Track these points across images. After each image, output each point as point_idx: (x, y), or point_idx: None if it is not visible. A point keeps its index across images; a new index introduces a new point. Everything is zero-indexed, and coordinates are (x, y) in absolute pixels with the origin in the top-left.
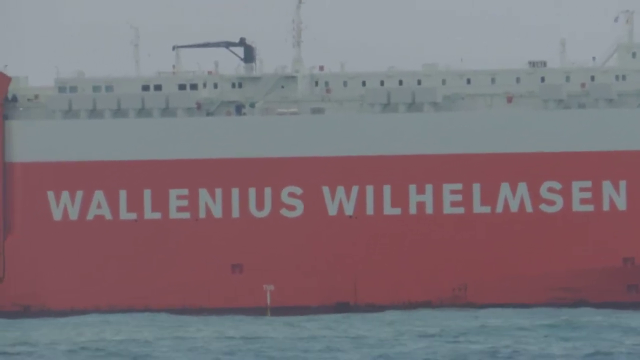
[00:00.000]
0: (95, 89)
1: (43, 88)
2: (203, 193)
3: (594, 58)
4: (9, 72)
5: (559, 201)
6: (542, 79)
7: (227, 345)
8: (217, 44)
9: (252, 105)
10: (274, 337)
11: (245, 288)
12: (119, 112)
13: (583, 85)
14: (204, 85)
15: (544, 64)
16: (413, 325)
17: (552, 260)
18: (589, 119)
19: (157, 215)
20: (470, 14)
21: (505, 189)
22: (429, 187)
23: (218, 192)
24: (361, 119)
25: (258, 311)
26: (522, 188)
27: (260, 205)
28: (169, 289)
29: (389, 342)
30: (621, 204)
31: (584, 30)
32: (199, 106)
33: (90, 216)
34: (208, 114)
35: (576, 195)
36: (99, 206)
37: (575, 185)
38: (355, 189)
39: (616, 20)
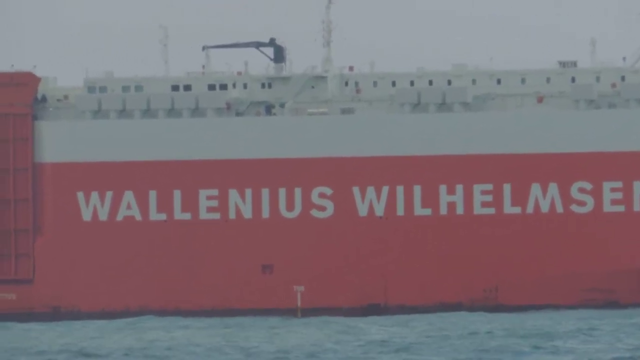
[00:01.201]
0: (125, 89)
1: (72, 88)
2: (233, 193)
3: (624, 58)
4: (38, 73)
5: (590, 202)
6: (573, 79)
7: None
8: (247, 44)
9: (282, 106)
10: None
11: (276, 289)
12: (148, 112)
13: (614, 85)
14: (234, 85)
15: (574, 64)
16: None
17: (583, 261)
18: (620, 119)
19: (187, 216)
20: (497, 15)
21: (535, 189)
22: (459, 188)
23: (248, 192)
24: (391, 119)
25: (288, 312)
26: (553, 188)
27: (290, 206)
28: (199, 290)
29: None
30: None
31: (614, 31)
32: (228, 106)
33: (119, 217)
34: (238, 114)
35: (607, 195)
36: (128, 207)
37: (606, 185)
38: (385, 190)
39: None
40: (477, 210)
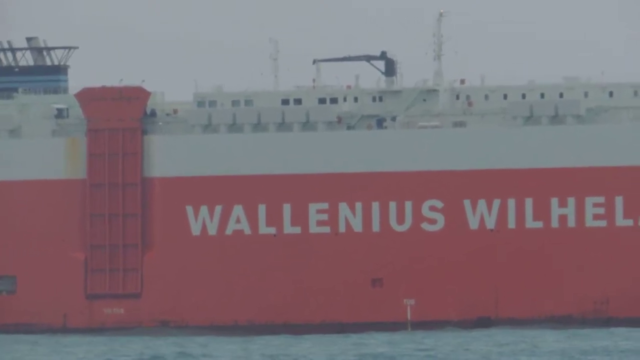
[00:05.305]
0: (235, 103)
1: (181, 103)
2: (343, 207)
3: None
4: (146, 87)
5: None
6: None
7: None
8: (357, 58)
9: (393, 119)
10: None
11: (386, 302)
12: (258, 126)
13: None
14: (345, 99)
15: None
16: None
17: None
18: None
19: (297, 230)
20: (608, 29)
21: None
22: (571, 200)
23: (358, 206)
24: (503, 132)
25: (398, 326)
26: None
27: (400, 219)
28: (308, 304)
29: None
30: None
31: None
32: (339, 120)
33: (229, 231)
34: (349, 127)
35: None
36: (238, 221)
37: None
38: (496, 203)
39: None
40: (589, 222)
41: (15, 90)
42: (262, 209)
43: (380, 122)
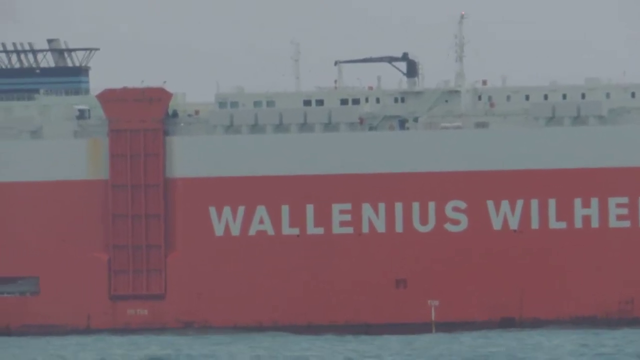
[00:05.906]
0: (256, 104)
1: (202, 104)
2: (366, 208)
3: None
4: (167, 88)
5: None
6: None
7: None
8: (379, 59)
9: (416, 120)
10: None
11: (409, 303)
12: (280, 127)
13: None
14: (367, 100)
15: None
16: None
17: None
18: None
19: (320, 231)
20: (608, 29)
21: None
22: (594, 201)
23: (381, 206)
24: (526, 132)
25: (422, 327)
26: None
27: (424, 220)
28: (332, 305)
29: None
30: None
31: None
32: (361, 121)
33: (252, 232)
34: (371, 128)
35: None
36: (261, 221)
37: None
38: (520, 203)
39: None
40: (613, 223)
41: (37, 91)
42: (285, 210)
43: (402, 123)
